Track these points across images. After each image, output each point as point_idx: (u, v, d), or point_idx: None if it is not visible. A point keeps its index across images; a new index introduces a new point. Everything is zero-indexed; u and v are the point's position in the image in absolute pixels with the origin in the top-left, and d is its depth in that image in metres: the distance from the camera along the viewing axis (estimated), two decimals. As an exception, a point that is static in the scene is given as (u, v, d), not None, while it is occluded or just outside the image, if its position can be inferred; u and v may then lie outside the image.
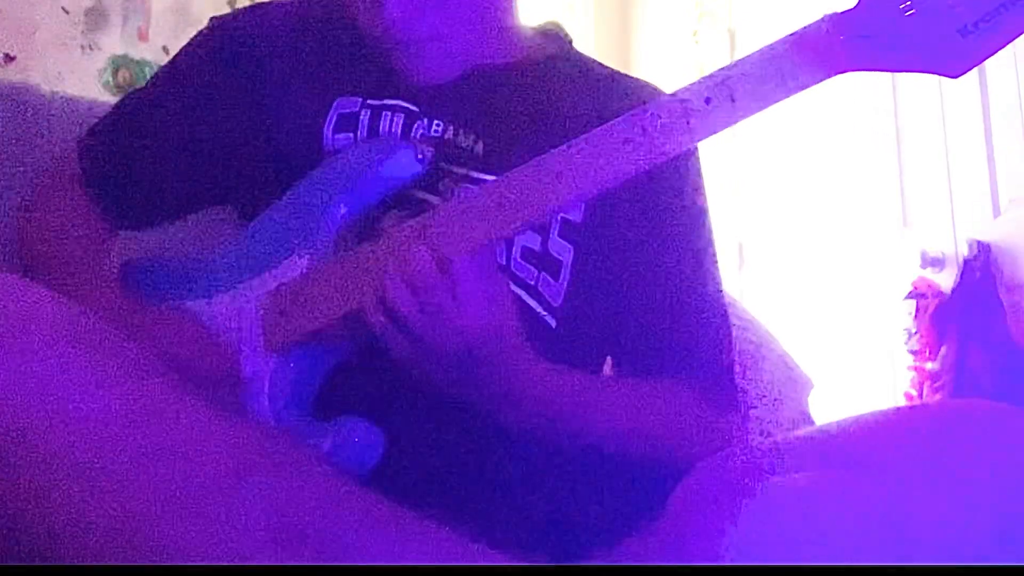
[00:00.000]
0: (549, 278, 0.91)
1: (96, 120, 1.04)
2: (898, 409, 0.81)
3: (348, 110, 0.93)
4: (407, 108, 0.93)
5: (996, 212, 2.02)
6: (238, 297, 0.88)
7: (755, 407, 1.30)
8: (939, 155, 2.12)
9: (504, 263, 0.89)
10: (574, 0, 2.91)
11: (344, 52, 0.96)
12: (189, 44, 1.02)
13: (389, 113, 0.92)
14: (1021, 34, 0.67)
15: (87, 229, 0.99)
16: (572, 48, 1.05)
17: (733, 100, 0.71)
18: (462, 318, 0.75)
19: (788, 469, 0.69)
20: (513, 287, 0.87)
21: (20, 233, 1.01)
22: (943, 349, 1.96)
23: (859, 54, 0.71)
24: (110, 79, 2.16)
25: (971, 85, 2.04)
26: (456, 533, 0.67)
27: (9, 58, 2.02)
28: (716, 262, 1.01)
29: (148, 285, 0.94)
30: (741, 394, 1.00)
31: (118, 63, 2.17)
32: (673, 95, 0.74)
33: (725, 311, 1.00)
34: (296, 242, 0.87)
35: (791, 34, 0.72)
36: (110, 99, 1.32)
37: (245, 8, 1.06)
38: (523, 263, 0.90)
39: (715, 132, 0.73)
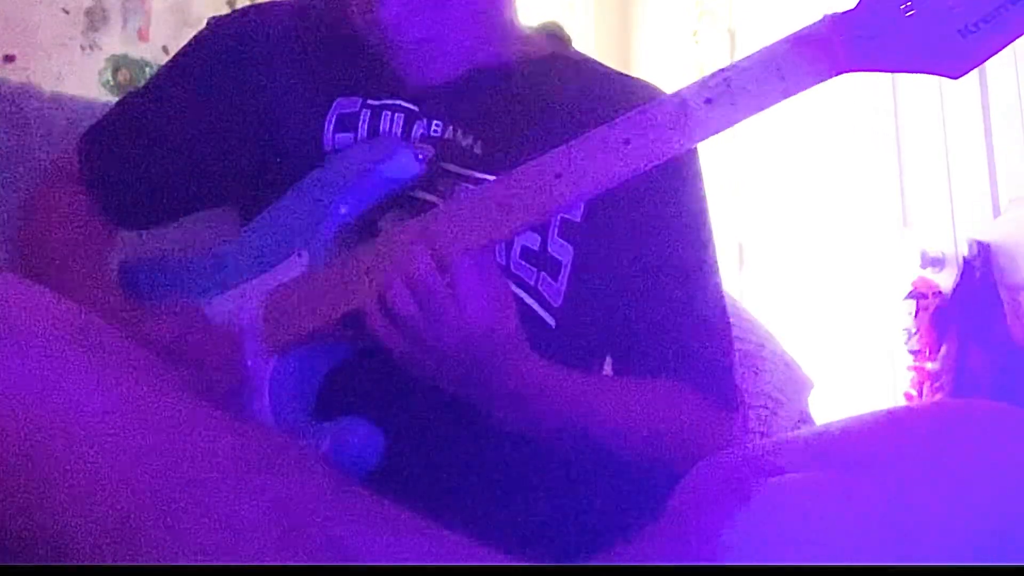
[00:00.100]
0: (549, 278, 0.91)
1: (96, 120, 1.04)
2: (898, 409, 0.80)
3: (348, 110, 0.93)
4: (407, 108, 0.93)
5: (996, 212, 2.02)
6: (238, 297, 0.88)
7: (755, 407, 1.29)
8: (939, 155, 2.12)
9: (504, 263, 0.89)
10: (574, 0, 2.91)
11: (344, 52, 0.96)
12: (189, 44, 1.02)
13: (389, 113, 0.92)
14: (1021, 34, 0.67)
15: (87, 229, 0.99)
16: (571, 48, 1.05)
17: (733, 100, 0.71)
18: (462, 318, 0.75)
19: (788, 469, 0.69)
20: (513, 287, 0.87)
21: (20, 233, 1.01)
22: (943, 349, 1.96)
23: (859, 54, 0.70)
24: (110, 79, 2.15)
25: (971, 85, 2.03)
26: (456, 533, 0.67)
27: (9, 58, 2.02)
28: (716, 262, 1.00)
29: (148, 285, 0.94)
30: (741, 394, 1.00)
31: (118, 63, 2.16)
32: (673, 95, 0.74)
33: (725, 311, 1.00)
34: (296, 242, 0.87)
35: (791, 34, 0.72)
36: (110, 99, 1.32)
37: (244, 8, 1.06)
38: (523, 263, 0.90)
39: (715, 132, 0.72)
